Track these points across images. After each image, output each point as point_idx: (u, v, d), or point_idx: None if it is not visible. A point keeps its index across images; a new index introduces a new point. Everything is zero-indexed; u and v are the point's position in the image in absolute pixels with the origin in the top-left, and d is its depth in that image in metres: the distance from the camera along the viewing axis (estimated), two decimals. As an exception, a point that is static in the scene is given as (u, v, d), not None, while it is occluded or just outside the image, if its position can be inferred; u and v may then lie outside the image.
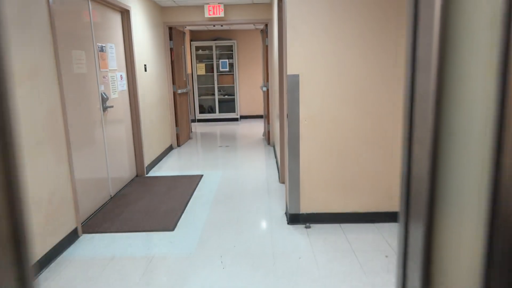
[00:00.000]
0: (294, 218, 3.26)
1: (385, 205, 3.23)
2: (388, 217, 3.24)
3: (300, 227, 3.20)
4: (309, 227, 3.20)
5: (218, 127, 8.97)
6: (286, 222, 3.31)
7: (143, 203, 3.86)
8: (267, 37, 6.35)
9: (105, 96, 3.90)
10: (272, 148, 6.46)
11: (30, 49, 2.55)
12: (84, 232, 3.20)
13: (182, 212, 3.59)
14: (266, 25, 6.33)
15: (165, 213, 3.55)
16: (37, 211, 2.58)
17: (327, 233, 3.08)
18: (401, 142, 3.12)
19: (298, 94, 3.06)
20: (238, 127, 8.86)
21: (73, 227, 3.04)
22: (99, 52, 3.84)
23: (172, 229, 3.20)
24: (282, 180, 4.44)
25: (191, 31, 9.66)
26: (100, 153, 3.80)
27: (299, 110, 3.09)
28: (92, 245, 2.98)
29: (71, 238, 3.01)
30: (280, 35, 4.05)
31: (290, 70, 3.03)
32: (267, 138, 6.82)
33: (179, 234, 3.12)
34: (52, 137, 2.77)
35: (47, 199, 2.69)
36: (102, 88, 3.90)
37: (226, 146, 6.71)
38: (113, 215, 3.54)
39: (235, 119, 9.90)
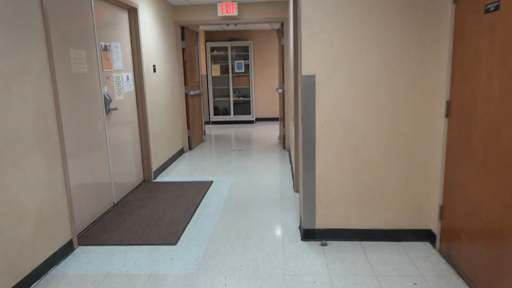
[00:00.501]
0: (309, 234, 2.94)
1: (412, 222, 2.87)
2: (415, 235, 2.88)
3: (315, 244, 2.88)
4: (326, 244, 2.87)
5: (232, 130, 8.71)
6: (300, 237, 3.00)
7: (147, 212, 3.60)
8: (283, 36, 6.05)
9: (108, 98, 3.67)
10: (287, 152, 6.15)
11: (18, 46, 2.33)
12: (81, 244, 2.96)
13: (187, 223, 3.32)
14: (282, 24, 6.03)
15: (169, 224, 3.29)
16: (24, 223, 2.35)
17: (345, 252, 2.75)
18: (430, 152, 2.76)
19: (314, 97, 2.75)
20: (253, 130, 8.58)
21: (67, 240, 2.80)
22: (102, 52, 3.61)
23: (175, 243, 2.93)
24: (297, 189, 4.12)
25: (206, 32, 9.45)
26: (102, 158, 3.58)
27: (315, 115, 2.77)
28: (87, 259, 2.74)
29: (65, 251, 2.77)
30: (295, 33, 3.74)
31: (306, 70, 2.72)
32: (283, 142, 6.51)
33: (182, 249, 2.84)
34: (43, 141, 2.54)
35: (36, 210, 2.46)
36: (105, 89, 3.67)
37: (240, 150, 6.43)
38: (113, 225, 3.30)
39: (251, 122, 9.62)
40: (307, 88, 2.74)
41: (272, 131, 8.38)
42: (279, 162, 5.53)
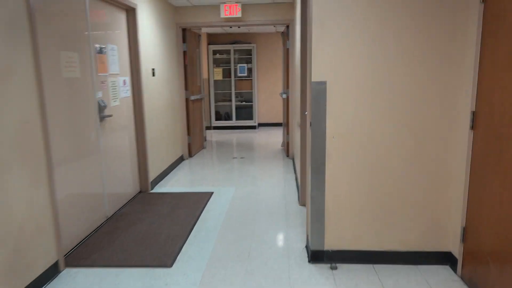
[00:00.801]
0: (317, 256, 2.68)
1: (430, 243, 2.62)
2: (434, 258, 2.63)
3: (324, 268, 2.62)
4: (335, 268, 2.62)
5: (234, 135, 8.47)
6: (307, 259, 2.74)
7: (142, 227, 3.36)
8: (288, 39, 5.81)
9: (102, 104, 3.43)
10: (291, 160, 5.90)
11: (-2, 49, 2.10)
12: (68, 265, 2.71)
13: (185, 241, 3.07)
14: (288, 26, 5.80)
15: (165, 242, 3.04)
16: (2, 246, 2.11)
17: (358, 277, 2.50)
18: (452, 167, 2.51)
19: (325, 105, 2.50)
20: (256, 136, 8.34)
21: (52, 261, 2.56)
22: (96, 54, 3.38)
23: (170, 265, 2.68)
24: (302, 202, 3.87)
25: (209, 34, 9.23)
26: (95, 169, 3.34)
27: (325, 125, 2.52)
28: (73, 284, 2.49)
29: (50, 274, 2.52)
30: (304, 35, 3.51)
31: (316, 76, 2.48)
32: (286, 149, 6.26)
33: (178, 273, 2.59)
34: (25, 152, 2.30)
35: (16, 230, 2.22)
36: (99, 94, 3.44)
37: (241, 157, 6.18)
38: (105, 243, 3.05)
39: (253, 127, 9.38)
40: (316, 96, 2.50)
41: (275, 137, 8.14)
42: (283, 171, 5.28)
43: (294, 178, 4.91)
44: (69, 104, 2.93)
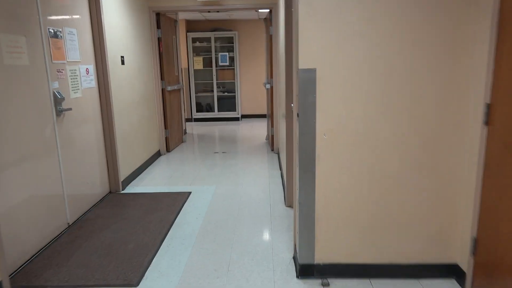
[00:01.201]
0: (306, 270, 2.34)
1: (434, 254, 2.31)
2: (438, 270, 2.32)
3: (315, 284, 2.29)
4: (328, 284, 2.28)
5: (216, 128, 8.06)
6: (295, 273, 2.40)
7: (108, 235, 2.96)
8: (271, 25, 5.41)
9: (59, 96, 2.99)
10: (276, 155, 5.54)
11: None
12: (15, 286, 2.30)
13: (156, 252, 2.69)
14: (271, 11, 5.38)
15: (133, 253, 2.65)
16: None
17: (353, 294, 2.17)
18: (461, 169, 2.19)
19: (315, 97, 2.14)
20: (239, 128, 7.94)
21: (-7, 284, 2.14)
22: (50, 39, 2.92)
23: (136, 284, 2.30)
24: (289, 203, 3.52)
25: (187, 21, 8.72)
26: (52, 169, 2.90)
27: (315, 120, 2.16)
28: (19, 310, 2.09)
29: (-11, 300, 2.11)
30: (289, 16, 3.12)
31: (303, 62, 2.10)
32: (271, 143, 5.90)
33: (144, 294, 2.22)
34: (-50, 159, 1.87)
35: None
36: (55, 85, 2.99)
37: (223, 152, 5.79)
38: (63, 256, 2.64)
39: (236, 119, 8.97)
40: (305, 86, 2.13)
41: (259, 129, 7.76)
42: (268, 166, 4.92)
43: (279, 175, 4.56)
44: (14, 96, 2.49)
